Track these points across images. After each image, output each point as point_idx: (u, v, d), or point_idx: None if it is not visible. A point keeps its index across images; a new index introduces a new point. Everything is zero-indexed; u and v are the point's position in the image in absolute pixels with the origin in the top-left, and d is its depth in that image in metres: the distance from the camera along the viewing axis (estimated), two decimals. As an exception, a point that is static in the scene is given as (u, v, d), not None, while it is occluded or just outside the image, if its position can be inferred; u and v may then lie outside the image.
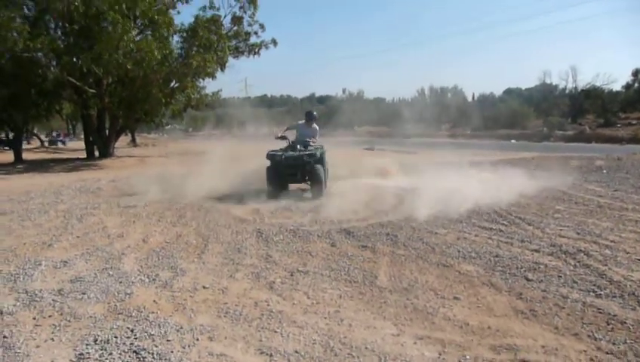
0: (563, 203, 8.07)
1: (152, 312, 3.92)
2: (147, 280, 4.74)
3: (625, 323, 3.53)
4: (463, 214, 7.31)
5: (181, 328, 3.62)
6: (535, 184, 10.08)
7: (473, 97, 50.56)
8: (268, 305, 4.06)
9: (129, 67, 18.30)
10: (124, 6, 17.63)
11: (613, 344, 3.23)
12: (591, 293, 4.10)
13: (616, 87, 46.09)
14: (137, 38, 19.37)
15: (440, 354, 3.18)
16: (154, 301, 4.18)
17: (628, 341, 3.27)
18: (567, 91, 47.90)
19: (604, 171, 12.30)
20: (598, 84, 45.93)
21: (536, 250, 5.39)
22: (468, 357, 3.13)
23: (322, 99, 60.58)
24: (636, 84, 42.15)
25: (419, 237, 6.07)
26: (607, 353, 3.13)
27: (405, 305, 4.00)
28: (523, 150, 26.35)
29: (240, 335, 3.50)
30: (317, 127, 10.53)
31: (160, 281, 4.68)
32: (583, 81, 48.03)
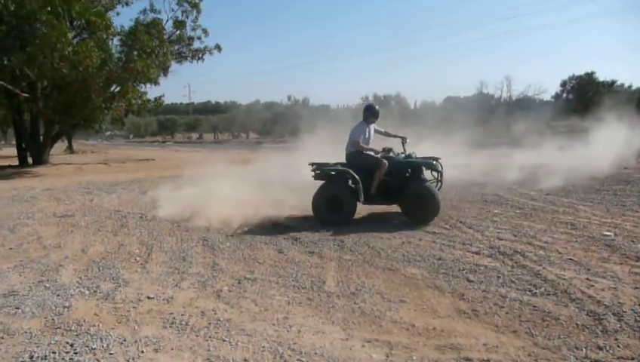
0: (500, 206, 8.44)
1: (93, 325, 3.77)
2: (87, 292, 4.55)
3: (558, 319, 3.73)
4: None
5: (124, 340, 3.50)
6: (474, 189, 10.48)
7: (415, 105, 52.00)
8: (215, 313, 4.00)
9: (65, 71, 17.50)
10: (58, 7, 16.81)
11: (549, 339, 3.41)
12: (527, 292, 4.31)
13: (547, 97, 48.84)
14: (74, 41, 18.55)
15: (387, 356, 3.24)
16: (95, 313, 4.02)
17: (562, 336, 3.45)
18: (502, 100, 50.17)
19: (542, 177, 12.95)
20: (530, 94, 48.49)
21: (477, 252, 5.60)
22: (414, 357, 3.21)
23: (267, 106, 60.38)
24: (564, 95, 44.84)
25: (365, 242, 6.17)
26: (543, 348, 3.29)
27: (353, 309, 4.05)
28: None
29: (187, 346, 3.42)
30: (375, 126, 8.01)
31: (101, 293, 4.51)
32: (517, 90, 50.55)
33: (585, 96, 37.43)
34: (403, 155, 7.71)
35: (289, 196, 9.12)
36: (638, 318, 3.69)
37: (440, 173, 7.59)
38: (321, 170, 7.56)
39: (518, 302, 4.09)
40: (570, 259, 5.24)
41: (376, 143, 7.85)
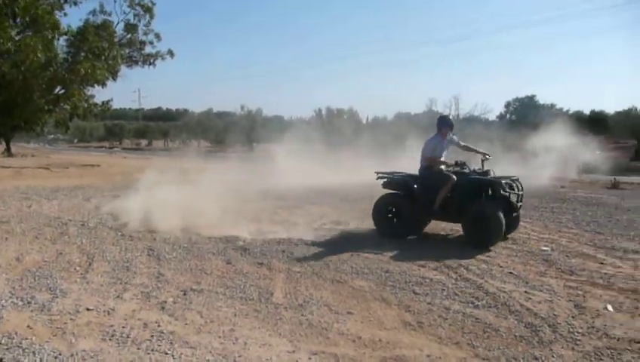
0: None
1: (26, 338, 3.57)
2: (21, 303, 4.31)
3: (498, 330, 3.86)
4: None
5: (59, 354, 3.33)
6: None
7: (367, 119, 52.80)
8: (158, 325, 3.88)
9: (5, 69, 16.65)
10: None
11: (489, 350, 3.52)
12: (470, 304, 4.44)
13: (492, 116, 50.95)
14: (18, 38, 17.71)
15: (333, 368, 3.25)
16: (28, 326, 3.81)
17: (501, 347, 3.58)
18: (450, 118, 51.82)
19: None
20: (476, 113, 50.47)
21: (423, 266, 5.72)
22: (360, 369, 3.23)
23: (220, 115, 59.62)
24: (508, 115, 46.95)
25: (314, 254, 6.18)
26: (483, 359, 3.40)
27: (300, 321, 4.03)
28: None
29: (127, 359, 3.30)
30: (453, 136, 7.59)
31: (36, 304, 4.28)
32: (464, 109, 52.43)
33: (526, 118, 39.31)
34: (478, 171, 7.14)
35: (242, 206, 9.03)
36: (571, 329, 3.88)
37: (518, 194, 6.92)
38: (386, 178, 7.59)
39: (461, 314, 4.21)
40: (510, 272, 5.45)
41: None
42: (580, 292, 4.78)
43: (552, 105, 42.17)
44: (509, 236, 7.06)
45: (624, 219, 8.98)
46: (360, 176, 16.13)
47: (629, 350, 3.53)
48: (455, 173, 7.03)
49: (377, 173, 7.72)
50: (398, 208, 7.27)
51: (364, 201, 11.35)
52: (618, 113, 42.59)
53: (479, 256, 6.11)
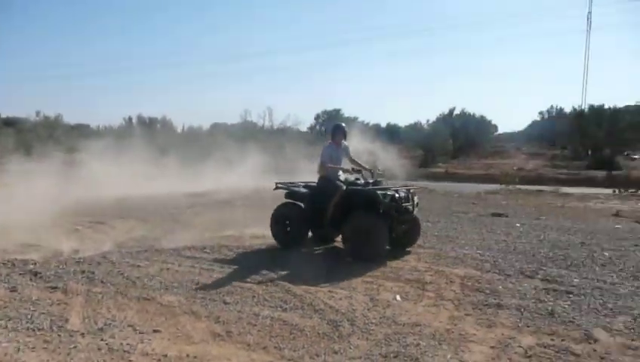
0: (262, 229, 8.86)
1: None
2: None
3: (304, 330, 4.07)
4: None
5: None
6: (236, 212, 10.83)
7: (183, 129, 51.30)
8: None
9: None
10: None
11: (294, 351, 3.68)
12: (278, 308, 4.59)
13: (303, 128, 53.85)
14: None
15: (135, 393, 3.05)
16: None
17: (305, 346, 3.77)
18: (264, 128, 53.34)
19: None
20: (289, 124, 52.82)
21: (235, 274, 5.75)
22: (164, 389, 3.09)
23: (10, 122, 51.76)
24: (317, 127, 50.20)
25: (119, 272, 5.74)
26: (289, 360, 3.54)
27: (99, 346, 3.69)
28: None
29: None
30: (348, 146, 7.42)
31: None
32: (278, 120, 54.46)
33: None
34: (370, 182, 6.98)
35: (35, 224, 7.98)
36: (366, 321, 4.27)
37: (403, 206, 6.59)
38: (285, 189, 7.41)
39: (270, 318, 4.32)
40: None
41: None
42: (374, 286, 5.31)
43: (356, 118, 46.32)
44: (409, 249, 7.00)
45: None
46: (175, 186, 15.66)
47: (411, 333, 4.02)
48: (346, 183, 6.93)
49: (277, 183, 7.62)
50: (291, 219, 7.13)
51: (177, 213, 11.02)
52: (407, 126, 48.85)
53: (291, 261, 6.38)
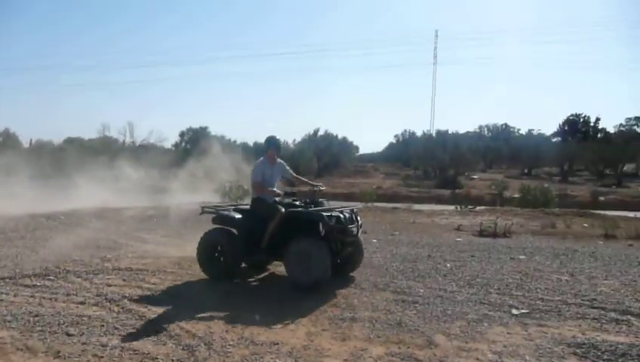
0: (114, 251, 8.28)
1: None
2: None
3: (157, 358, 3.85)
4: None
5: None
6: (87, 234, 10.01)
7: (31, 143, 46.42)
8: None
9: None
10: None
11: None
12: (129, 337, 4.29)
13: (167, 144, 51.82)
14: None
15: None
16: None
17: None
18: (125, 145, 50.32)
19: (154, 219, 13.42)
20: (152, 140, 50.57)
21: (82, 302, 5.28)
22: None
23: None
24: (183, 144, 48.70)
25: None
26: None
27: None
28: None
29: None
30: (284, 163, 6.79)
31: None
32: (141, 136, 51.87)
33: (199, 146, 41.61)
34: (308, 202, 6.37)
35: None
36: (224, 343, 4.19)
37: (344, 229, 6.02)
38: (213, 213, 6.59)
39: (119, 348, 4.03)
40: (174, 295, 5.55)
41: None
42: (234, 307, 5.23)
43: (223, 136, 45.87)
44: (351, 274, 6.66)
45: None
46: (21, 206, 13.97)
47: (269, 352, 4.03)
48: (285, 204, 6.26)
49: (203, 207, 6.92)
50: (223, 246, 6.33)
51: (17, 236, 9.82)
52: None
53: (144, 285, 6.04)
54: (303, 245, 5.80)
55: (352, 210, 6.45)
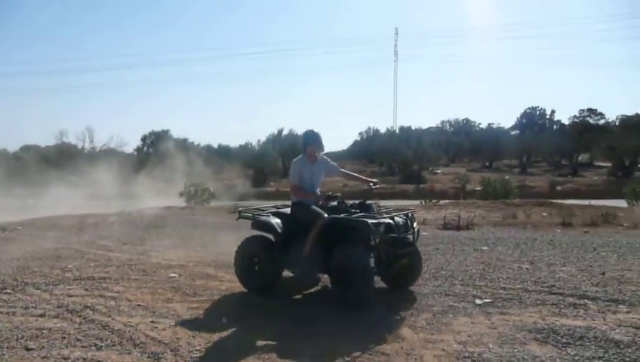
0: (76, 260, 8.04)
1: None
2: None
3: (121, 368, 3.78)
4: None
5: None
6: (47, 244, 9.70)
7: (-18, 151, 44.64)
8: None
9: None
10: None
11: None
12: (93, 347, 4.19)
13: (129, 149, 50.76)
14: None
15: None
16: None
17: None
18: (85, 151, 49.04)
19: (116, 226, 13.10)
20: (112, 145, 49.52)
21: (42, 315, 5.10)
22: None
23: None
24: (145, 148, 47.83)
25: None
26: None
27: None
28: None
29: None
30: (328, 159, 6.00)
31: None
32: (101, 141, 50.73)
33: (161, 150, 41.04)
34: (356, 206, 5.60)
35: None
36: (191, 349, 4.14)
37: (397, 239, 5.28)
38: (250, 218, 5.98)
39: (82, 360, 3.92)
40: (138, 305, 5.44)
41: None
42: (200, 312, 5.18)
43: (185, 139, 45.25)
44: (410, 288, 5.85)
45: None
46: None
47: (237, 355, 4.01)
48: (329, 209, 5.48)
49: (239, 212, 6.29)
50: (260, 256, 5.74)
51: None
52: (240, 146, 49.25)
53: (107, 294, 5.88)
54: (342, 258, 5.08)
55: (406, 215, 5.64)
